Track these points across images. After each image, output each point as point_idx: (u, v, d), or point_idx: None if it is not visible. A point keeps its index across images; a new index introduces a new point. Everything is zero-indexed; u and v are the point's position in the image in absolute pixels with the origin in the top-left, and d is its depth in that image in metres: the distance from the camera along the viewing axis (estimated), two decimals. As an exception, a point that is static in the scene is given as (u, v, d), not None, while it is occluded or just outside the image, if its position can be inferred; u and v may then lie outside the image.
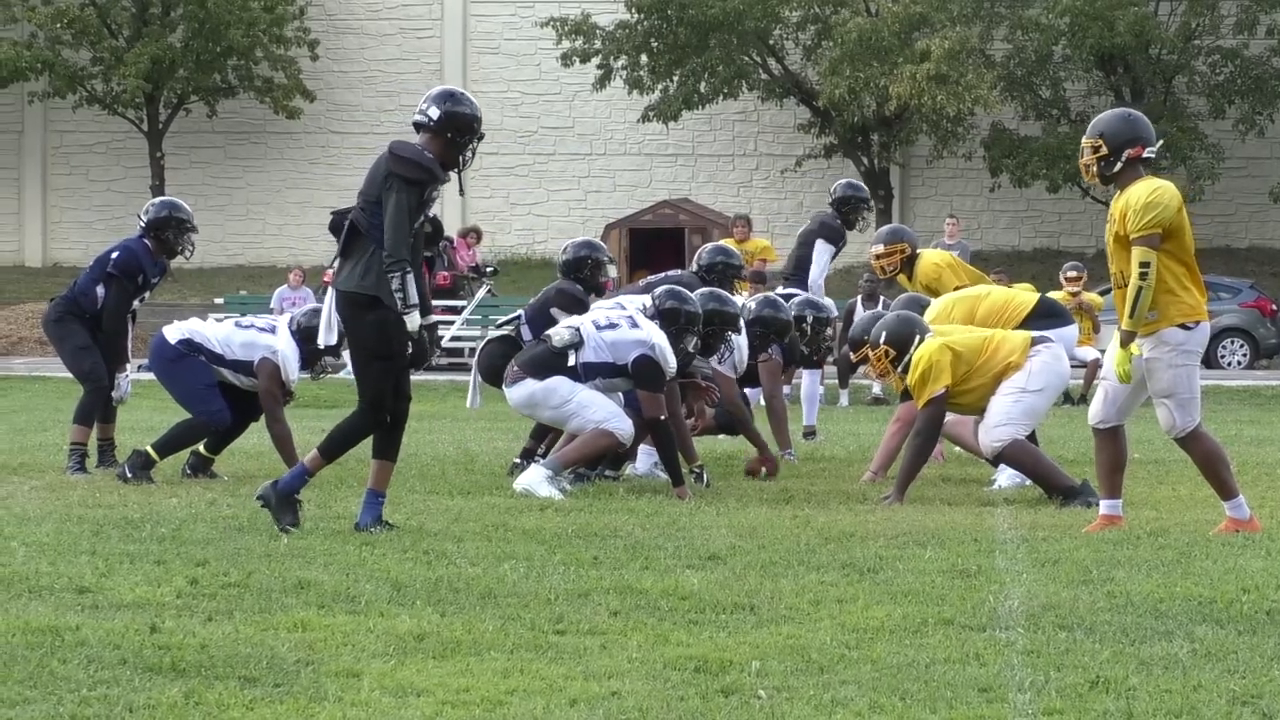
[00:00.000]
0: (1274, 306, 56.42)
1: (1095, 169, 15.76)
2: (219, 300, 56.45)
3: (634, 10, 65.68)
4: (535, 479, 18.92)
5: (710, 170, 63.53)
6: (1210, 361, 55.98)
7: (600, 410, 19.52)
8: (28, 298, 61.62)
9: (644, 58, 66.29)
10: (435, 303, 53.01)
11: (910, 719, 8.83)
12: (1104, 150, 15.85)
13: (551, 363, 20.16)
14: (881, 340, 19.16)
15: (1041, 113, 67.04)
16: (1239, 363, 56.14)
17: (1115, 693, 9.32)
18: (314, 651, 10.30)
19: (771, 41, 67.31)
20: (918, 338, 18.85)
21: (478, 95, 73.67)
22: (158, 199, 23.82)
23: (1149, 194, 15.55)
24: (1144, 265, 15.32)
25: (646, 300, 20.95)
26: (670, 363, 20.06)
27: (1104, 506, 16.07)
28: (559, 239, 52.37)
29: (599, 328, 20.54)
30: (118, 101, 69.42)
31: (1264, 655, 10.20)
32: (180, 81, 69.04)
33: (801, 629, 11.01)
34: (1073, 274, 39.56)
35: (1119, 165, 15.64)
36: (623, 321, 19.74)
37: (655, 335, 20.25)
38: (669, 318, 19.49)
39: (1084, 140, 16.21)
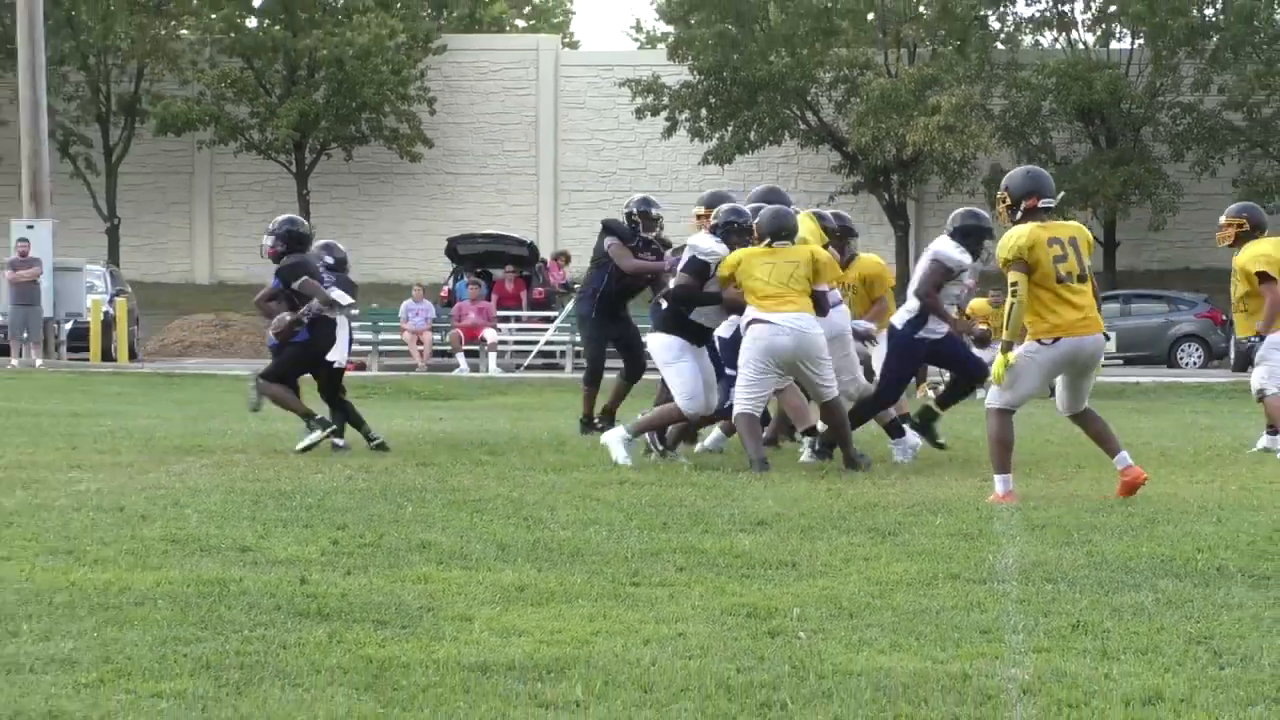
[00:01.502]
0: (1224, 317, 56.22)
1: (1004, 215, 16.04)
2: (354, 311, 56.29)
3: (695, 72, 65.70)
4: (614, 438, 18.78)
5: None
6: (1171, 362, 56.26)
7: (684, 385, 18.80)
8: (197, 309, 61.63)
9: (704, 111, 66.30)
10: (531, 314, 53.91)
11: (924, 656, 8.78)
12: (1008, 200, 16.13)
13: (672, 322, 19.43)
14: None
15: (1032, 157, 66.49)
16: (1195, 363, 56.32)
17: (1092, 634, 9.27)
18: (434, 600, 10.28)
19: (808, 98, 67.11)
20: None
21: (567, 143, 74.16)
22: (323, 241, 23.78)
23: (1007, 235, 15.85)
24: (1012, 285, 15.63)
25: None
26: None
27: (1116, 462, 15.92)
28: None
29: None
30: (271, 148, 69.52)
31: (1215, 604, 10.12)
32: (322, 131, 69.06)
33: (834, 582, 10.97)
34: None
35: (1019, 214, 15.90)
36: None
37: None
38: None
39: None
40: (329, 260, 22.72)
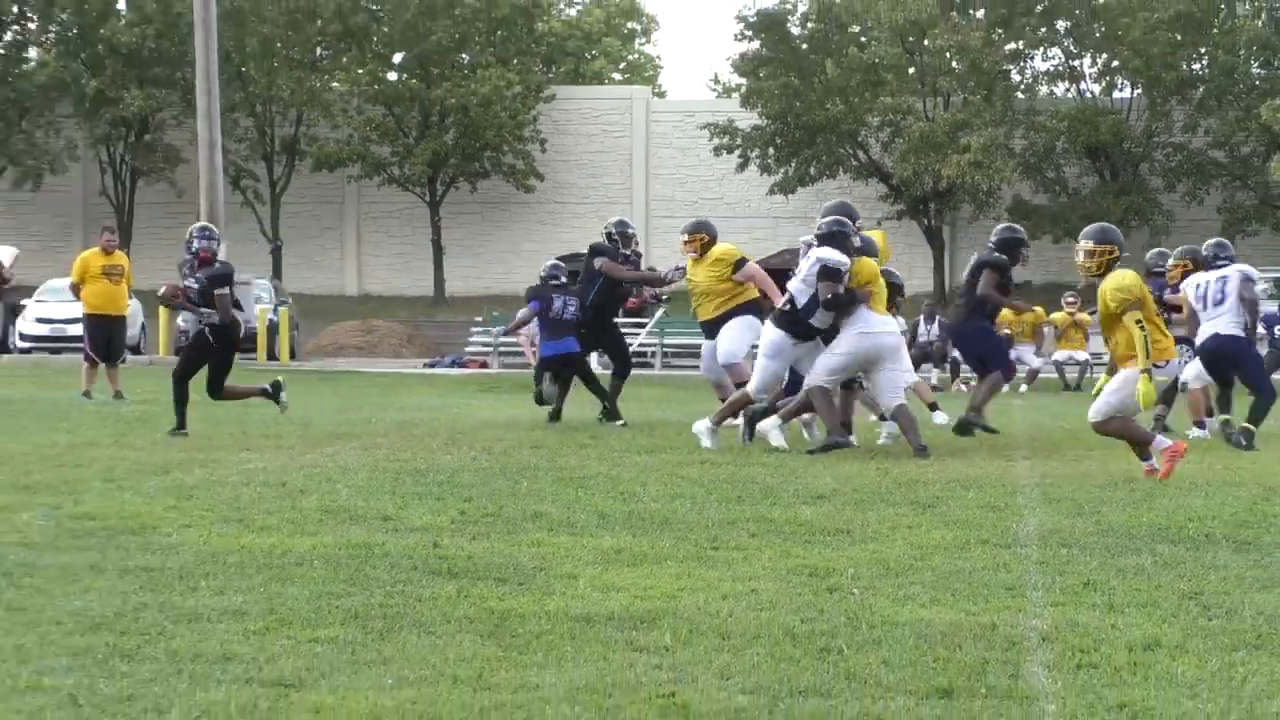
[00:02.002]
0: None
1: (1099, 265, 15.58)
2: (478, 318, 56.69)
3: (764, 118, 65.77)
4: (701, 428, 18.36)
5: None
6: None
7: (766, 380, 18.41)
8: (347, 317, 61.94)
9: (771, 150, 66.34)
10: (625, 320, 53.82)
11: (959, 609, 8.75)
12: (1115, 253, 15.77)
13: (788, 321, 18.60)
14: None
15: (1048, 188, 66.65)
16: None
17: (1100, 591, 9.23)
18: (545, 561, 10.28)
19: (859, 139, 67.02)
20: None
21: (656, 177, 74.03)
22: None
23: (1122, 278, 15.45)
24: (1137, 321, 15.14)
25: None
26: None
27: (1156, 443, 15.58)
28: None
29: None
30: (408, 181, 69.99)
31: (1204, 565, 10.09)
32: (451, 167, 69.40)
33: (882, 546, 10.94)
34: (1070, 299, 39.11)
35: (1117, 263, 15.56)
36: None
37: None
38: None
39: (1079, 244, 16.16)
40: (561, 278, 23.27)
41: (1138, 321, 14.91)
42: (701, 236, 21.51)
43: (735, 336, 21.18)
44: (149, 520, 11.81)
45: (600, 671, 7.33)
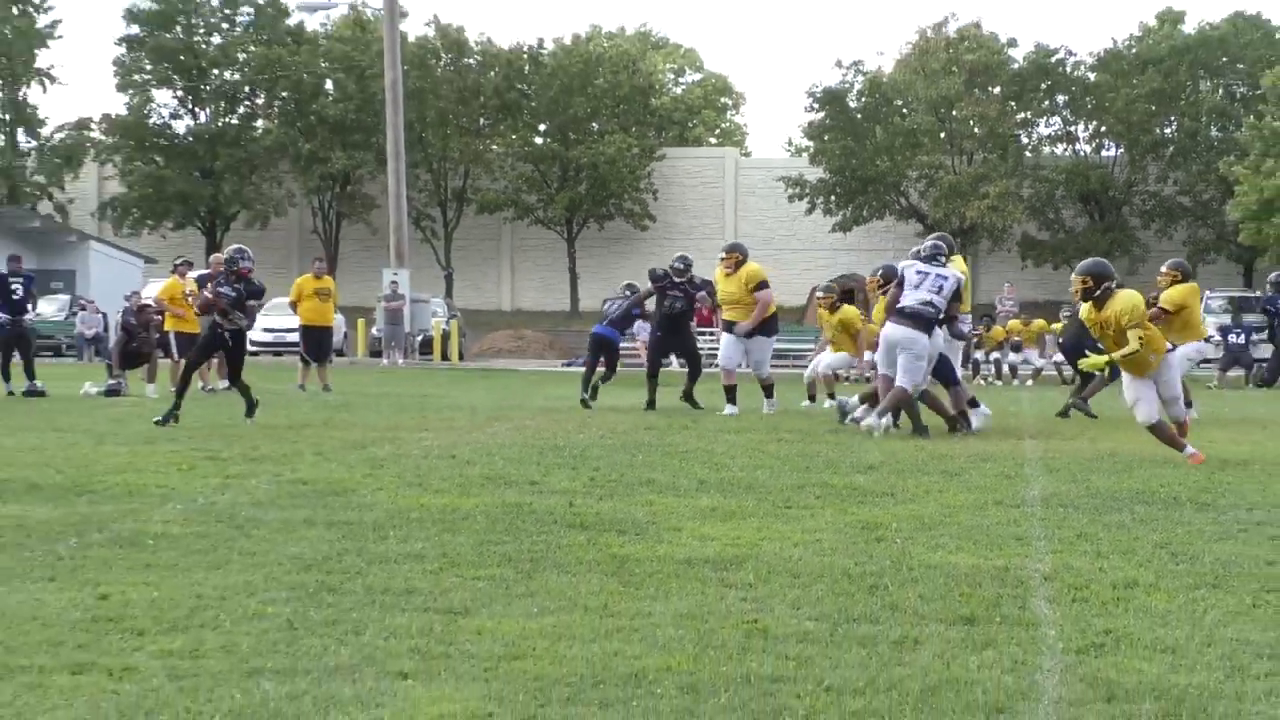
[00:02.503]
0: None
1: (1080, 294, 14.61)
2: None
3: (828, 172, 65.52)
4: (872, 420, 17.13)
5: (869, 258, 62.22)
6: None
7: (918, 378, 17.22)
8: (502, 327, 61.82)
9: (832, 198, 65.96)
10: (703, 329, 53.53)
11: (979, 555, 8.63)
12: (1112, 284, 14.58)
13: (928, 325, 17.40)
14: None
15: (1049, 227, 66.02)
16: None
17: (1090, 541, 9.10)
18: (656, 517, 10.17)
19: (901, 188, 66.61)
20: None
21: (744, 219, 73.50)
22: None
23: (1131, 298, 14.60)
24: (1139, 337, 14.34)
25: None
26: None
27: (1187, 451, 14.37)
28: (789, 299, 52.14)
29: None
30: (551, 222, 69.82)
31: (1174, 521, 9.93)
32: (583, 211, 69.28)
33: (918, 507, 10.79)
34: (1067, 313, 38.43)
35: (1113, 290, 14.46)
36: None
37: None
38: None
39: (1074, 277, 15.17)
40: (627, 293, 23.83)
41: (1139, 336, 14.48)
42: (736, 255, 21.29)
43: (757, 349, 21.47)
44: (349, 485, 11.84)
45: (699, 603, 7.28)
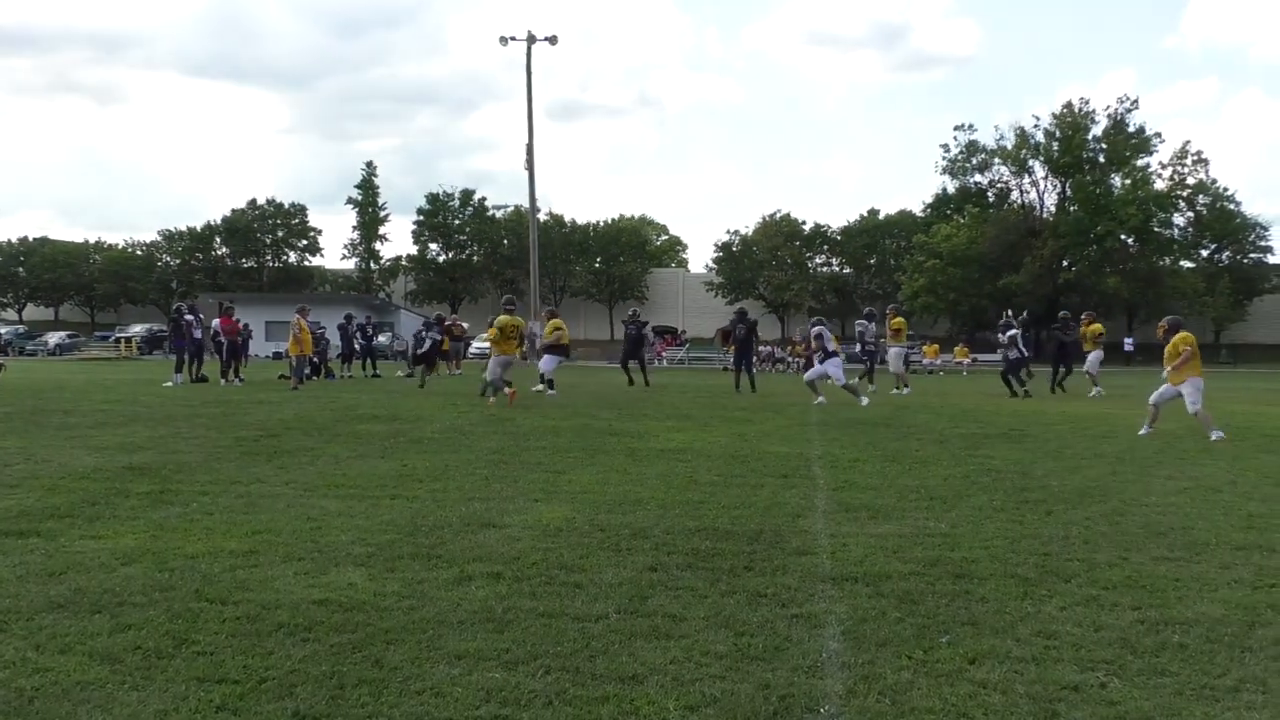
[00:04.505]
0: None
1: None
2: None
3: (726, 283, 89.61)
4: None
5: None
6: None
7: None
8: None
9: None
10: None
11: (790, 447, 12.39)
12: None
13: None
14: None
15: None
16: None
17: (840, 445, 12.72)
18: (647, 430, 14.01)
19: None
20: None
21: (691, 304, 78.67)
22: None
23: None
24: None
25: None
26: None
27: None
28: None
29: None
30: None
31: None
32: (608, 294, 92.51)
33: (763, 427, 14.57)
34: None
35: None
36: None
37: None
38: None
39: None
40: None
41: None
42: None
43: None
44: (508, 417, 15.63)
45: (668, 468, 10.72)
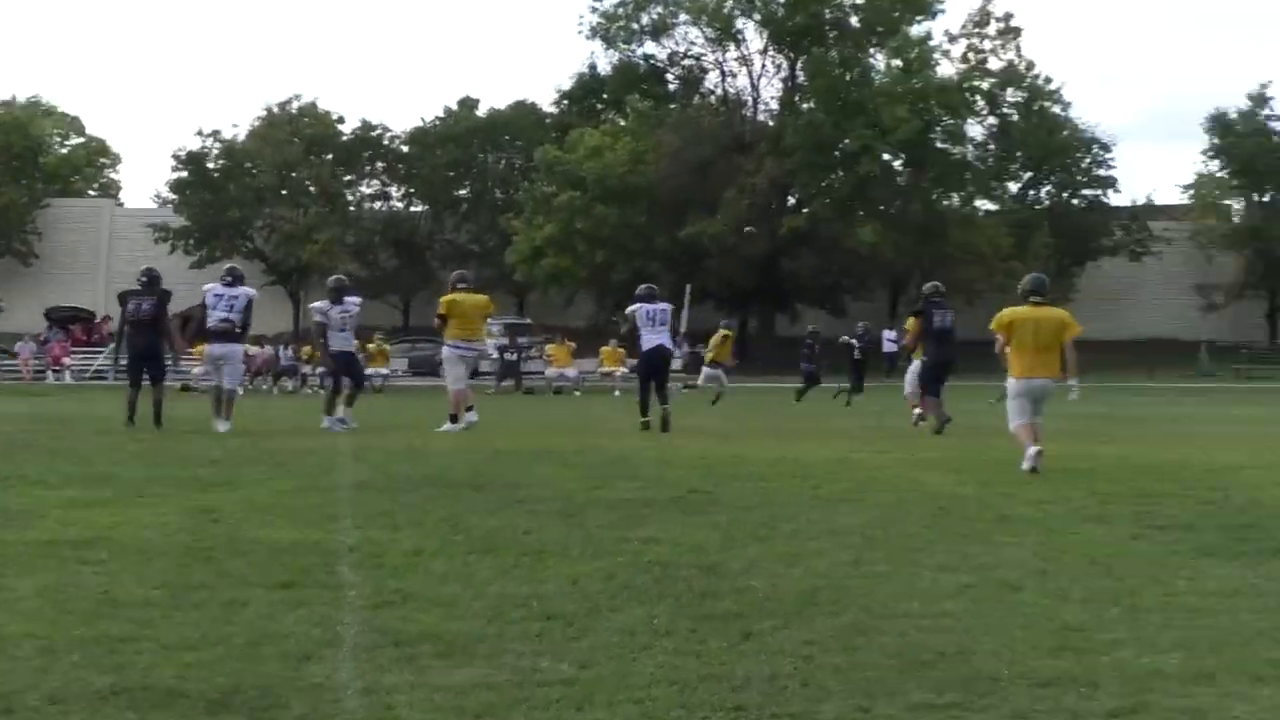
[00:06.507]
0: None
1: None
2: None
3: (189, 220, 64.33)
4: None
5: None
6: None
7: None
8: None
9: (191, 241, 65.34)
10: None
11: (298, 530, 8.49)
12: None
13: None
14: None
15: (369, 266, 66.88)
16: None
17: (388, 516, 9.15)
18: (27, 506, 9.63)
19: (248, 234, 66.15)
20: None
21: (118, 257, 67.87)
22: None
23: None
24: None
25: None
26: None
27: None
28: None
29: None
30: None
31: (454, 499, 9.98)
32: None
33: (250, 492, 10.54)
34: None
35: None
36: None
37: None
38: None
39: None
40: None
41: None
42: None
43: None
44: None
45: (58, 578, 6.88)
